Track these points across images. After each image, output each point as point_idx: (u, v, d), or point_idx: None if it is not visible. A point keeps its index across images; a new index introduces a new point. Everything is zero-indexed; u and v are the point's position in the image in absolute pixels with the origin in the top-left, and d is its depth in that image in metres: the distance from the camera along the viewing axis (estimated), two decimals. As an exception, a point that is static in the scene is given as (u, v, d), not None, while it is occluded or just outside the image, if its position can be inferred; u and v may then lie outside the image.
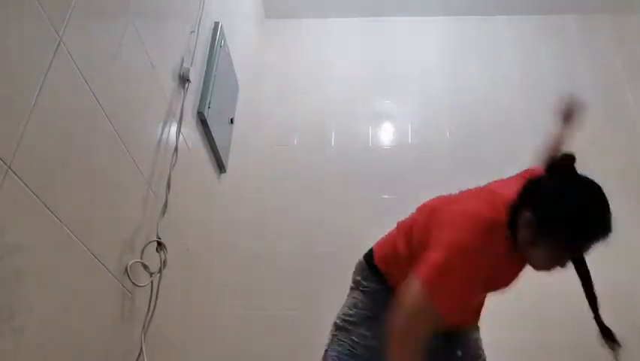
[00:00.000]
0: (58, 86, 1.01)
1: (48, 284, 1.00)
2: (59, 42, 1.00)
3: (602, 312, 1.32)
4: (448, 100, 3.01)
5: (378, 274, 1.34)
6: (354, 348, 1.29)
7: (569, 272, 2.53)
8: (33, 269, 0.95)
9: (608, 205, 1.12)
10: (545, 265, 1.14)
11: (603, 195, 1.12)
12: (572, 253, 1.14)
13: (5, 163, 0.85)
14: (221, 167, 2.26)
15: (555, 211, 1.09)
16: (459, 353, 1.33)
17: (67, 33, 1.02)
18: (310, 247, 2.62)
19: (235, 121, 2.42)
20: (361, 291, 1.36)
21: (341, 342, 1.31)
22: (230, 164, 2.37)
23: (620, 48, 3.09)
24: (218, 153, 2.16)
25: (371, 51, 3.24)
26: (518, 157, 2.80)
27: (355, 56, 3.21)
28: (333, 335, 1.35)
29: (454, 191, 1.43)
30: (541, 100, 2.99)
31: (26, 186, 0.91)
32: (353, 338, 1.30)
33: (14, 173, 0.88)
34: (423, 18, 3.33)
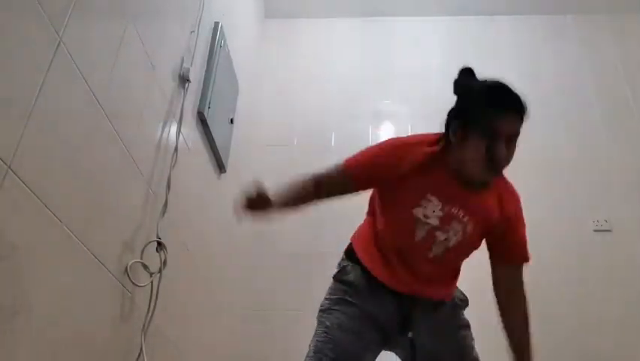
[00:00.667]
0: (58, 86, 1.01)
1: (48, 284, 1.00)
2: (59, 42, 1.00)
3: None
4: (448, 100, 3.00)
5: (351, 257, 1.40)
6: (327, 333, 1.28)
7: (572, 274, 2.52)
8: (33, 269, 0.95)
9: (506, 86, 1.21)
10: (477, 159, 1.17)
11: (501, 81, 1.23)
12: (489, 133, 1.16)
13: (5, 163, 0.85)
14: (221, 167, 2.26)
15: (464, 102, 1.26)
16: (409, 334, 1.28)
17: (67, 33, 1.02)
18: (310, 247, 2.62)
19: (235, 121, 2.42)
20: (333, 279, 1.40)
21: (317, 331, 1.33)
22: (230, 164, 2.37)
23: (620, 48, 3.09)
24: (218, 153, 2.16)
25: (371, 51, 3.24)
26: (518, 156, 2.81)
27: (355, 56, 3.21)
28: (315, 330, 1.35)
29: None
30: (541, 100, 2.99)
31: (26, 186, 0.91)
32: (327, 323, 1.30)
33: (14, 173, 0.88)
34: (423, 18, 3.33)
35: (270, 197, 1.32)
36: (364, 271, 1.33)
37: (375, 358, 1.31)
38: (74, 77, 1.07)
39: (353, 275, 1.34)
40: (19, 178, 0.89)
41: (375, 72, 3.15)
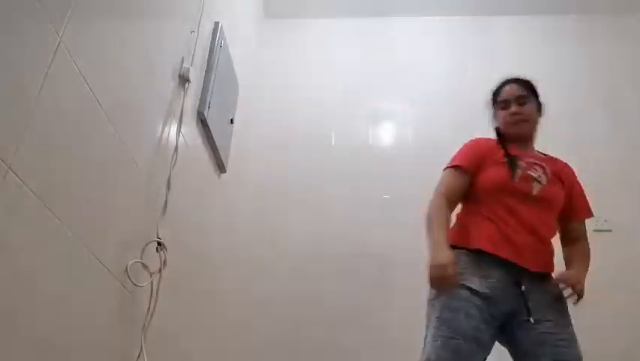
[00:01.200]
0: (58, 86, 1.01)
1: (48, 284, 1.00)
2: (59, 42, 1.00)
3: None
4: (448, 100, 3.01)
5: None
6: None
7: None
8: (33, 269, 0.95)
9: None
10: (504, 119, 1.65)
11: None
12: (501, 102, 1.67)
13: (5, 163, 0.85)
14: (221, 167, 2.26)
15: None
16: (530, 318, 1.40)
17: (67, 33, 1.02)
18: (310, 246, 2.62)
19: (235, 121, 2.42)
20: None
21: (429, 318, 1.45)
22: (230, 164, 2.37)
23: (619, 48, 3.09)
24: (218, 153, 2.16)
25: (371, 51, 3.24)
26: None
27: (355, 56, 3.21)
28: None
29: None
30: (541, 100, 2.99)
31: (26, 186, 0.91)
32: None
33: (14, 173, 0.88)
34: (423, 18, 3.33)
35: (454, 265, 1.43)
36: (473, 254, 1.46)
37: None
38: (74, 77, 1.07)
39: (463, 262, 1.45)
40: (19, 178, 0.89)
41: (375, 72, 3.15)
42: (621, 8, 3.19)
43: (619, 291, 2.40)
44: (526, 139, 1.65)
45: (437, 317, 1.39)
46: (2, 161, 0.85)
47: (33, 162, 0.93)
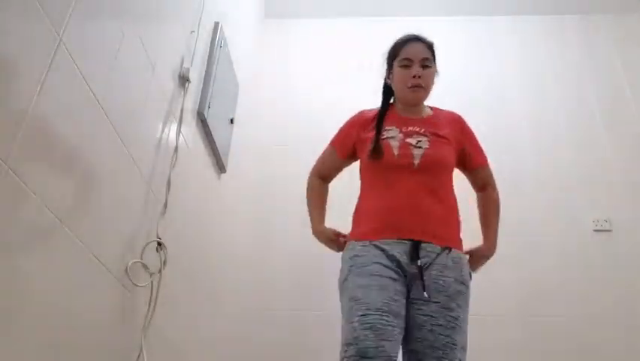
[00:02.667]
0: (58, 86, 1.01)
1: (48, 284, 1.00)
2: (59, 42, 1.00)
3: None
4: (447, 100, 3.00)
5: None
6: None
7: (572, 274, 2.52)
8: (33, 269, 0.95)
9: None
10: (402, 82, 1.57)
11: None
12: (403, 60, 1.57)
13: (5, 163, 0.85)
14: (221, 167, 2.26)
15: (388, 55, 1.66)
16: (419, 262, 1.36)
17: (67, 33, 1.02)
18: (311, 246, 2.62)
19: (235, 121, 2.42)
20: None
21: (342, 305, 1.41)
22: (230, 164, 2.37)
23: (620, 48, 3.09)
24: (218, 153, 2.16)
25: (371, 51, 3.23)
26: (518, 156, 2.82)
27: (355, 56, 3.21)
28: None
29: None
30: (541, 100, 2.99)
31: (26, 186, 0.91)
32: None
33: (14, 173, 0.88)
34: (423, 18, 3.33)
35: (331, 233, 1.66)
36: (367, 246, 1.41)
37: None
38: (74, 77, 1.07)
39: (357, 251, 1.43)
40: (18, 178, 0.89)
41: (375, 72, 3.14)
42: (622, 8, 3.19)
43: (619, 291, 2.40)
44: (416, 105, 1.60)
45: None
46: (2, 161, 0.85)
47: (33, 162, 0.93)
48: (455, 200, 1.52)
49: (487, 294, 2.31)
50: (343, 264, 1.46)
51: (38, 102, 0.94)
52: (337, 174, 1.75)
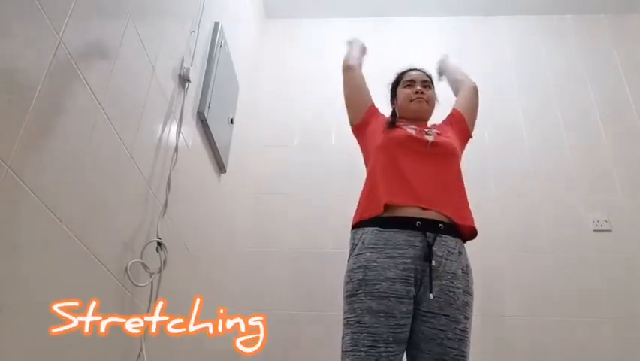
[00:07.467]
0: (58, 86, 1.01)
1: (48, 284, 1.00)
2: (59, 42, 1.00)
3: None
4: (448, 99, 3.00)
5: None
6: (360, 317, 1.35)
7: (572, 274, 2.51)
8: (33, 269, 0.95)
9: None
10: (406, 98, 1.74)
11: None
12: (406, 82, 1.78)
13: (5, 163, 0.85)
14: (221, 167, 2.26)
15: (392, 85, 1.90)
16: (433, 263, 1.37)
17: (67, 33, 1.02)
18: (311, 246, 2.62)
19: (235, 121, 2.42)
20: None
21: (347, 319, 1.39)
22: (230, 164, 2.37)
23: (620, 48, 3.09)
24: (218, 153, 2.16)
25: (371, 51, 3.23)
26: (518, 156, 2.82)
27: (355, 56, 3.21)
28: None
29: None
30: (541, 100, 2.99)
31: (26, 186, 0.91)
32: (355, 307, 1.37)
33: (14, 173, 0.88)
34: (423, 18, 3.33)
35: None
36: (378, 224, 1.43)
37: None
38: (74, 78, 1.07)
39: (368, 238, 1.42)
40: (18, 178, 0.89)
41: (375, 72, 3.14)
42: (621, 8, 3.19)
43: (619, 291, 2.40)
44: (422, 119, 1.71)
45: None
46: (2, 161, 0.85)
47: (33, 162, 0.93)
48: (464, 184, 1.58)
49: (487, 294, 2.31)
50: (351, 271, 1.44)
51: (38, 102, 0.94)
52: (360, 91, 1.90)
